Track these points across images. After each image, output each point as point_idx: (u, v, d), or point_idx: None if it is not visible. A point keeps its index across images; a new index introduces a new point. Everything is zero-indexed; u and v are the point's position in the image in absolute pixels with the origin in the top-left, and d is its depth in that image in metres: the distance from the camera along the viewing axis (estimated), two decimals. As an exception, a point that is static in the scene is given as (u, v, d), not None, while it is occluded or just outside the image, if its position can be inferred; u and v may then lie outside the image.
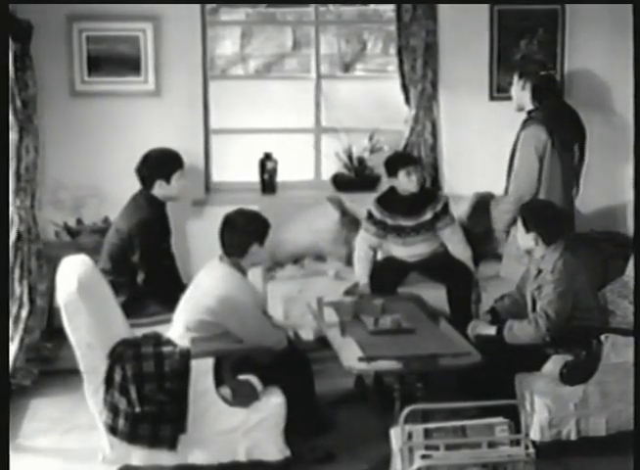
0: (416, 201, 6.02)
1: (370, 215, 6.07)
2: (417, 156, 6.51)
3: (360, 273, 6.00)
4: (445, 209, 6.07)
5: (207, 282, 4.52)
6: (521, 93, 5.67)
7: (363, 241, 6.08)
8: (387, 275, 5.95)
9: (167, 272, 5.29)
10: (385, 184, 6.79)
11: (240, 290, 4.51)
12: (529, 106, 5.64)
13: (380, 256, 6.16)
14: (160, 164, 5.24)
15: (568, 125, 5.67)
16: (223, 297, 4.42)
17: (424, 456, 3.72)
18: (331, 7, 7.29)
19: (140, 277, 5.10)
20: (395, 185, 6.02)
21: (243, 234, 4.57)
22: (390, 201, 6.04)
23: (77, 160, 6.37)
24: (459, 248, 6.06)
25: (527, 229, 4.84)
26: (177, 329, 4.50)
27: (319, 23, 6.93)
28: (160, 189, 5.23)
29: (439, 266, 6.03)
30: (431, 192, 6.30)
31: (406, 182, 5.96)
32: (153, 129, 6.38)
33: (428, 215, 6.03)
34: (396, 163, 6.04)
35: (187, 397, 4.25)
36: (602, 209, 6.78)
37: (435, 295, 5.84)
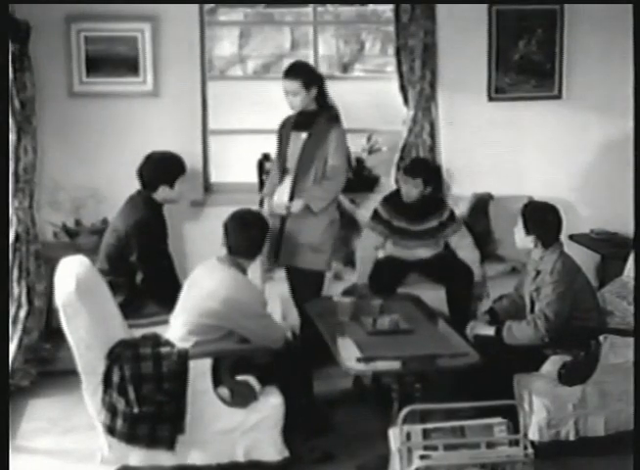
0: (419, 208, 5.98)
1: (376, 215, 6.06)
2: (426, 169, 6.09)
3: (361, 273, 5.99)
4: (452, 217, 6.04)
5: (210, 285, 4.46)
6: None
7: (368, 240, 6.06)
8: (386, 275, 5.94)
9: (165, 273, 5.28)
10: (383, 185, 6.80)
11: (245, 290, 4.49)
12: None
13: (380, 254, 6.15)
14: (164, 170, 5.24)
15: None
16: (229, 299, 4.39)
17: (422, 457, 3.72)
18: (329, 7, 7.30)
19: (138, 278, 5.10)
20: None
21: (258, 235, 4.58)
22: (396, 203, 6.02)
23: (76, 160, 6.36)
24: (467, 252, 6.03)
25: (528, 231, 4.83)
26: (178, 332, 4.48)
27: (317, 23, 6.92)
28: (162, 193, 5.24)
29: (439, 267, 6.03)
30: (435, 201, 6.11)
31: (403, 190, 5.97)
32: (151, 130, 6.37)
33: (432, 223, 6.01)
34: (403, 169, 6.07)
35: (185, 397, 4.24)
36: (601, 209, 6.78)
37: (435, 295, 5.84)
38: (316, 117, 5.52)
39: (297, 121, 5.57)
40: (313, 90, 5.46)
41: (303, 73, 5.47)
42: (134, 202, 5.25)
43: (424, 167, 6.08)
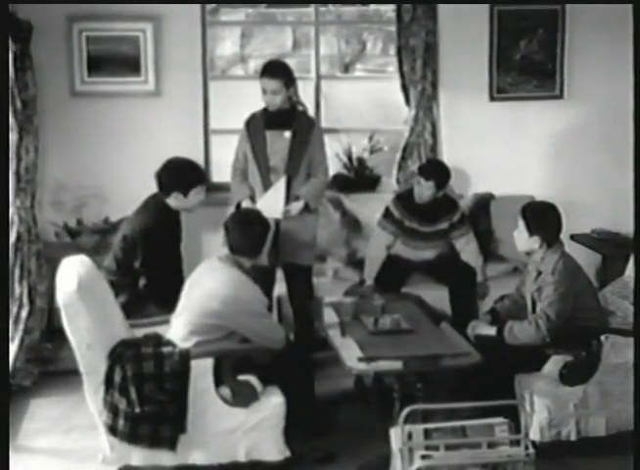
0: (431, 209, 5.95)
1: (388, 213, 6.02)
2: (440, 172, 5.96)
3: (369, 272, 5.98)
4: (462, 220, 6.03)
5: (211, 284, 4.46)
6: None
7: (380, 239, 6.03)
8: (392, 273, 5.94)
9: (171, 276, 5.16)
10: (385, 184, 6.80)
11: (245, 289, 4.49)
12: None
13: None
14: (180, 177, 5.11)
15: None
16: (229, 298, 4.39)
17: (424, 456, 3.72)
18: (331, 7, 7.29)
19: (141, 282, 5.02)
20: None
21: (261, 233, 4.58)
22: (409, 202, 5.98)
23: (77, 160, 6.36)
24: (471, 257, 6.02)
25: (531, 232, 4.80)
26: (179, 332, 4.49)
27: (319, 23, 6.91)
28: (175, 200, 5.12)
29: (443, 267, 6.03)
30: (448, 203, 6.05)
31: (416, 190, 5.95)
32: (153, 130, 6.37)
33: (443, 225, 6.00)
34: (418, 169, 6.05)
35: (187, 397, 4.24)
36: (602, 209, 6.79)
37: (438, 295, 5.85)
38: (292, 116, 5.48)
39: (271, 120, 5.47)
40: (292, 89, 5.44)
41: (285, 73, 5.43)
42: (146, 206, 5.15)
43: (438, 170, 5.97)
